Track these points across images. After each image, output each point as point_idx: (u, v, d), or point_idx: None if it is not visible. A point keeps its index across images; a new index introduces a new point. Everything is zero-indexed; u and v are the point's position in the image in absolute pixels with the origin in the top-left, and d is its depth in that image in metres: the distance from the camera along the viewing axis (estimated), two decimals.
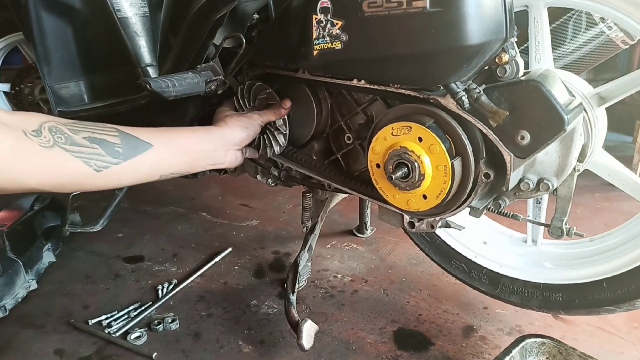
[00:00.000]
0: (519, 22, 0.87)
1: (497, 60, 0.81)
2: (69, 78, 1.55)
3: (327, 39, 0.84)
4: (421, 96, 0.89)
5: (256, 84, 1.09)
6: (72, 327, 1.26)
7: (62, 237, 1.63)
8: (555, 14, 1.14)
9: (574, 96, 0.89)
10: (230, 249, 1.62)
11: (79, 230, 1.56)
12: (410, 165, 0.89)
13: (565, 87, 0.88)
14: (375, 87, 0.94)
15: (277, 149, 1.10)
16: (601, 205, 1.93)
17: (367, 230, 1.70)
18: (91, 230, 1.52)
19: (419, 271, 1.47)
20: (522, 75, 0.86)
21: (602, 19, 1.08)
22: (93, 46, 1.55)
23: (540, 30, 1.01)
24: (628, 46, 1.11)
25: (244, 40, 1.00)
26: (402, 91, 0.91)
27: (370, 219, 1.71)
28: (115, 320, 1.27)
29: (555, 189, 0.98)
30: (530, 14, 1.01)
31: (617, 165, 1.04)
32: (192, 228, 1.81)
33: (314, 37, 0.85)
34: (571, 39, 1.16)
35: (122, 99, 1.48)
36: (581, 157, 0.98)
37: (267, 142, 1.11)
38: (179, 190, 2.15)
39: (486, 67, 0.86)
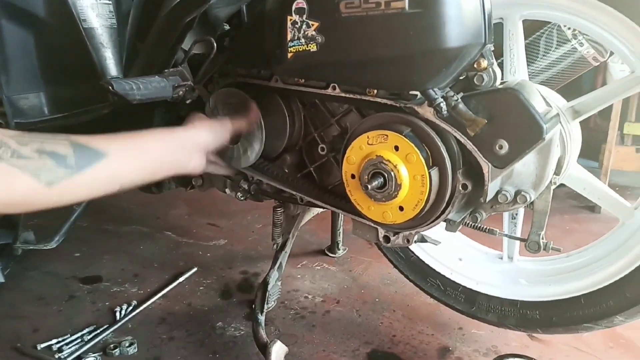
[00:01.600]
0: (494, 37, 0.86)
1: (475, 65, 0.80)
2: (29, 89, 1.47)
3: (302, 40, 0.81)
4: (398, 105, 0.86)
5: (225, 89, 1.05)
6: (19, 352, 1.16)
7: (12, 256, 1.51)
8: (528, 30, 1.15)
9: (550, 106, 0.88)
10: (195, 269, 1.54)
11: (32, 248, 1.46)
12: (386, 175, 0.86)
13: (543, 98, 0.87)
14: (351, 96, 0.91)
15: (252, 156, 1.06)
16: (570, 226, 1.94)
17: (339, 249, 1.65)
18: (45, 248, 1.42)
19: (393, 291, 1.43)
20: (499, 85, 0.84)
21: (574, 36, 1.09)
22: (56, 56, 1.48)
23: (516, 43, 1.01)
24: (599, 63, 1.12)
25: (215, 44, 0.96)
26: (379, 100, 0.88)
27: (343, 238, 1.66)
28: (67, 344, 1.17)
29: (532, 203, 0.96)
30: (505, 27, 1.01)
31: (592, 180, 1.03)
32: (156, 248, 1.72)
33: (289, 39, 0.82)
34: (543, 56, 1.17)
35: (83, 109, 1.41)
36: (557, 170, 0.97)
37: (241, 150, 1.06)
38: (143, 208, 2.07)
39: (463, 77, 0.84)
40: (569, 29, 1.09)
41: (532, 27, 1.17)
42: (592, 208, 2.08)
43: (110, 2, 1.63)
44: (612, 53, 1.05)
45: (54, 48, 1.47)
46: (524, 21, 1.01)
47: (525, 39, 1.14)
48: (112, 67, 1.66)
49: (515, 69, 1.02)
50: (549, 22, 1.15)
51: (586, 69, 1.15)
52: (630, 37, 0.86)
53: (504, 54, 1.03)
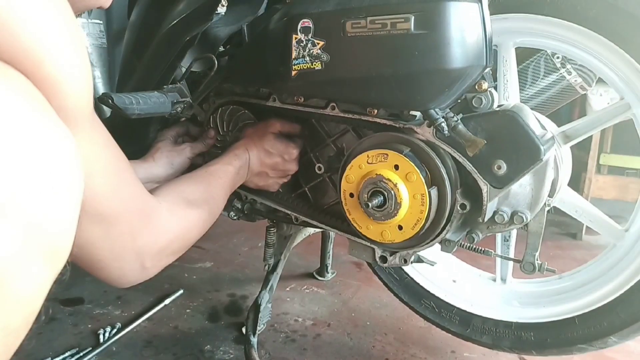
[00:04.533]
0: None
1: (477, 87, 0.82)
2: None
3: (307, 59, 0.82)
4: (397, 125, 0.88)
5: (242, 111, 1.05)
6: None
7: None
8: (517, 58, 1.19)
9: (545, 129, 0.90)
10: (181, 291, 1.50)
11: None
12: (386, 194, 0.86)
13: (538, 121, 0.89)
14: (350, 116, 0.92)
15: None
16: (554, 252, 1.97)
17: (328, 273, 1.64)
18: None
19: (384, 314, 1.42)
20: (497, 107, 0.87)
21: (563, 64, 1.13)
22: None
23: (509, 70, 1.04)
24: (586, 92, 1.16)
25: (216, 61, 0.97)
26: (378, 120, 0.89)
27: (332, 261, 1.65)
28: None
29: (526, 224, 0.98)
30: (499, 53, 1.04)
31: (584, 203, 1.06)
32: None
33: (293, 57, 0.83)
34: (531, 84, 1.21)
35: None
36: (550, 193, 0.99)
37: None
38: None
39: (460, 99, 0.86)
40: (558, 57, 1.13)
41: (521, 56, 1.21)
42: (574, 235, 2.12)
43: (101, 21, 1.64)
44: (599, 80, 1.09)
45: None
46: (516, 48, 1.05)
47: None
48: (100, 85, 1.65)
49: (509, 95, 1.05)
50: (538, 51, 1.19)
51: (573, 97, 1.19)
52: (619, 64, 0.90)
53: (497, 80, 1.06)
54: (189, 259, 1.76)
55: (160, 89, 0.99)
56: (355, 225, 0.94)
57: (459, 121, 0.83)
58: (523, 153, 0.81)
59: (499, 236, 1.12)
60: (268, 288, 1.25)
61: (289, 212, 1.08)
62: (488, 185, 0.84)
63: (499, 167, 0.82)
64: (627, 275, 0.95)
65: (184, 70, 1.04)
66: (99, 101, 0.91)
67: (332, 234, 1.57)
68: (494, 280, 1.16)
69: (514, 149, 0.81)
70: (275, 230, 1.24)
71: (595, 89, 1.82)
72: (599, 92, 1.85)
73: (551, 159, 0.90)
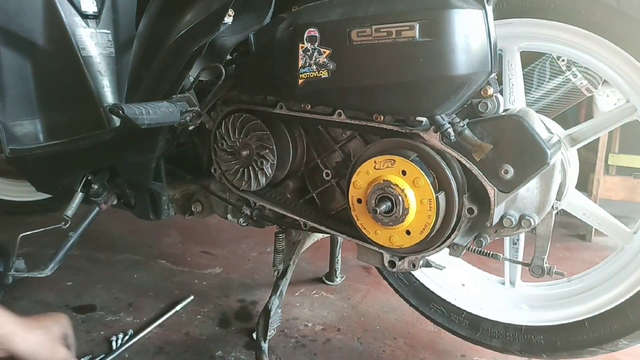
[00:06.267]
0: None
1: (482, 92, 0.83)
2: (25, 116, 1.47)
3: (314, 67, 0.83)
4: (403, 131, 0.88)
5: (254, 120, 1.06)
6: None
7: (3, 285, 1.48)
8: (522, 62, 1.20)
9: (552, 133, 0.91)
10: (192, 298, 1.51)
11: (25, 276, 1.43)
12: (394, 199, 0.87)
13: (544, 125, 0.90)
14: (356, 122, 0.93)
15: (262, 180, 1.07)
16: (563, 254, 1.96)
17: (337, 277, 1.64)
18: (39, 276, 1.39)
19: (393, 319, 1.42)
20: (503, 112, 0.87)
21: (568, 67, 1.13)
22: (53, 84, 1.49)
23: (514, 74, 1.05)
24: (592, 94, 1.17)
25: (224, 71, 0.98)
26: (384, 126, 0.90)
27: (340, 266, 1.65)
28: None
29: (534, 228, 0.98)
30: (504, 58, 1.05)
31: (591, 205, 1.06)
32: (150, 276, 1.69)
33: (300, 65, 0.84)
34: (537, 87, 1.22)
35: (81, 136, 1.41)
36: (558, 196, 0.99)
37: (252, 174, 1.07)
38: (135, 236, 2.04)
39: (467, 104, 0.87)
40: (563, 61, 1.14)
41: (527, 59, 1.21)
42: (583, 236, 2.11)
43: (109, 31, 1.66)
44: (605, 82, 1.09)
45: (51, 75, 1.48)
46: (521, 52, 1.05)
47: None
48: (109, 94, 1.68)
49: (515, 99, 1.06)
50: (543, 54, 1.19)
51: (580, 99, 1.19)
52: (624, 67, 0.90)
53: (503, 84, 1.07)
54: (199, 265, 1.78)
55: (169, 99, 1.01)
56: (363, 230, 0.95)
57: (465, 126, 0.84)
58: (529, 157, 0.81)
59: (507, 239, 1.12)
60: (278, 293, 1.26)
61: (297, 218, 1.09)
62: (495, 189, 0.85)
63: (506, 172, 0.83)
64: (637, 278, 0.95)
65: (192, 79, 1.06)
66: (110, 112, 0.92)
67: (341, 238, 1.58)
68: (503, 283, 1.16)
69: (521, 153, 0.82)
70: (284, 236, 1.25)
71: (602, 90, 1.81)
72: (605, 93, 1.84)
73: (558, 162, 0.91)
